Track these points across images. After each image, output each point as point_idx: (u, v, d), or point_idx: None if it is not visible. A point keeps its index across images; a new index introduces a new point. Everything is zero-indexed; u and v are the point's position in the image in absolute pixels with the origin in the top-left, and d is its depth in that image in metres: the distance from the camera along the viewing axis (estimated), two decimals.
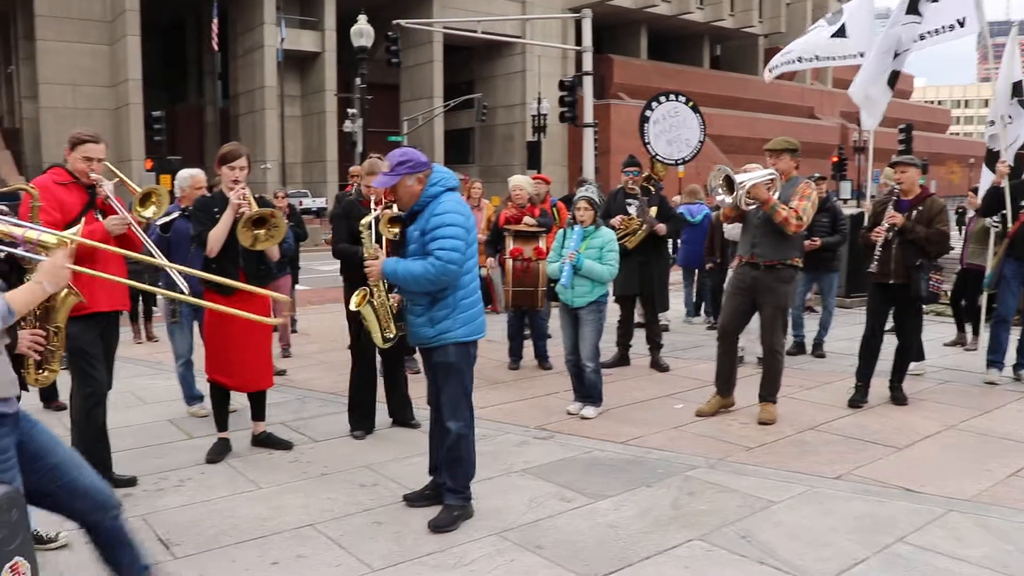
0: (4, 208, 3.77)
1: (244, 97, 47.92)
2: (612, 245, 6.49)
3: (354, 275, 5.89)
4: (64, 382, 5.48)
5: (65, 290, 4.09)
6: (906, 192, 6.67)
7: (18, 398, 2.90)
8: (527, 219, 8.06)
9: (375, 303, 5.15)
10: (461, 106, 43.57)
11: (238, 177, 5.27)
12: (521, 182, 8.35)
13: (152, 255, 4.81)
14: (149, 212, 4.85)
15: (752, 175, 6.25)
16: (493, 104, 48.88)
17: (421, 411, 6.23)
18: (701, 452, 5.57)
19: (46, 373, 4.11)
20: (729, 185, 6.14)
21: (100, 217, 4.73)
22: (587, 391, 6.53)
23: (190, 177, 6.60)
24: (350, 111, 36.34)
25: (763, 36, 63.97)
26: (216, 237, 5.21)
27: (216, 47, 41.34)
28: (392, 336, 5.17)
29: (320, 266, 16.12)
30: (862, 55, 8.59)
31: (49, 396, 6.80)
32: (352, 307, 5.11)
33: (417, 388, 6.68)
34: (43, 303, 3.94)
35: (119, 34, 42.66)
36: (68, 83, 42.46)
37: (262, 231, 5.18)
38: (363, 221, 5.19)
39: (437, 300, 4.31)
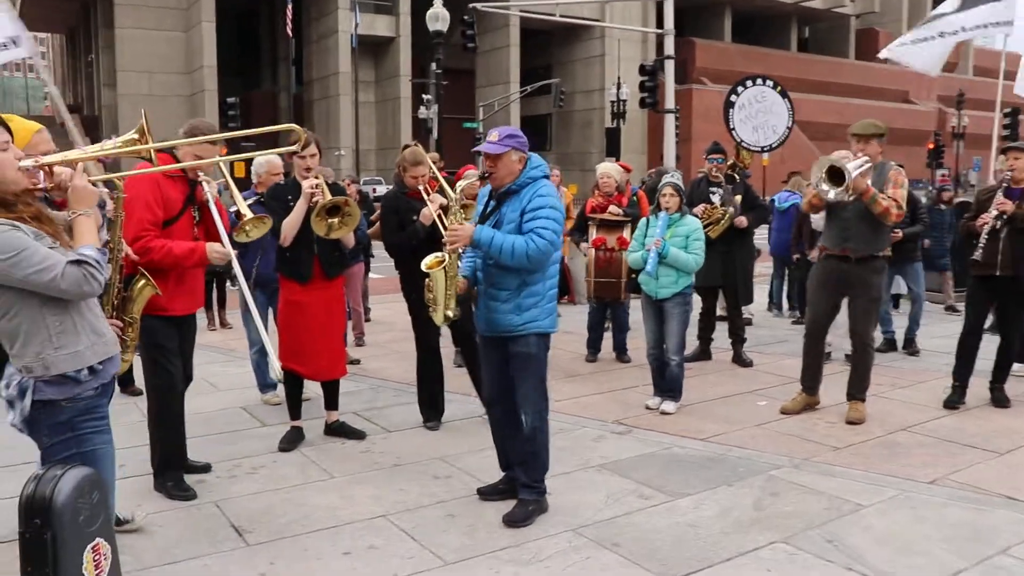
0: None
1: (318, 83, 48.77)
2: (698, 234, 6.42)
3: (412, 268, 5.91)
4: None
5: (143, 281, 4.21)
6: (1017, 180, 6.42)
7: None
8: (612, 208, 8.00)
9: (448, 271, 5.07)
10: (538, 92, 43.61)
11: (309, 165, 5.34)
12: (609, 169, 8.29)
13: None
14: (248, 227, 4.92)
15: (852, 163, 6.04)
16: (571, 89, 48.81)
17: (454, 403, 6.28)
18: (785, 451, 5.47)
19: (120, 363, 4.23)
20: (832, 177, 5.92)
21: (196, 215, 4.82)
22: (668, 385, 6.48)
23: (266, 163, 6.73)
24: (425, 97, 36.73)
25: (855, 16, 62.40)
26: (290, 226, 5.30)
27: (290, 33, 42.13)
28: (452, 316, 4.85)
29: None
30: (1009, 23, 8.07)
31: (126, 381, 7.02)
32: (424, 266, 4.83)
33: (454, 381, 6.68)
34: (118, 294, 4.07)
35: (194, 20, 43.82)
36: (145, 70, 43.83)
37: (336, 219, 5.25)
38: (424, 213, 5.29)
39: (527, 286, 4.31)
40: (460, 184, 5.46)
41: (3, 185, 2.72)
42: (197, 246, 4.63)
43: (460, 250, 4.49)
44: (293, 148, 3.84)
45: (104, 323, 2.95)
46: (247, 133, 3.55)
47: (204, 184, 4.77)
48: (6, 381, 2.89)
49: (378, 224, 6.93)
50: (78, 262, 2.69)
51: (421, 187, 5.77)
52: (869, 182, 5.96)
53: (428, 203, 5.70)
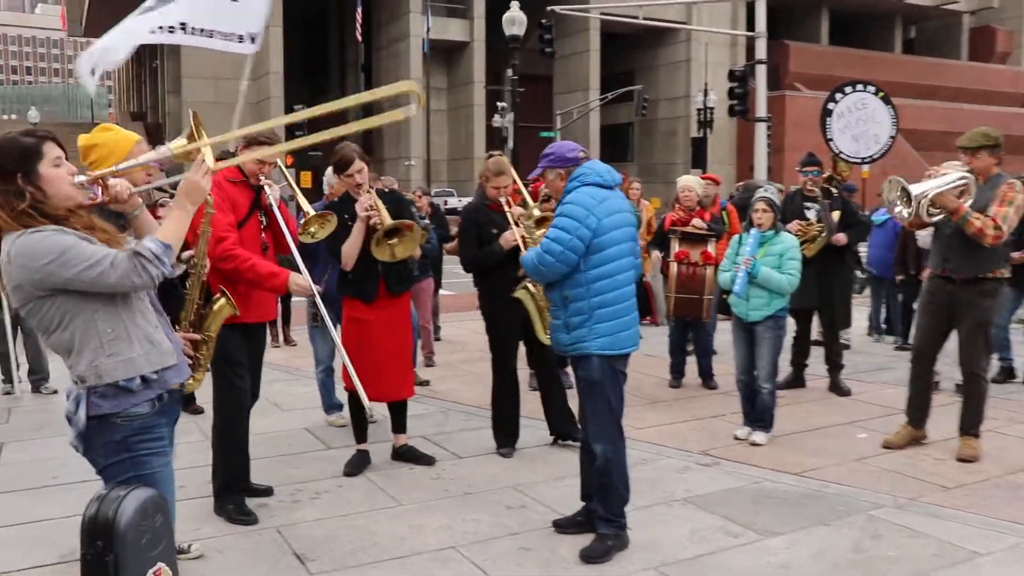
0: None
1: None
2: (794, 252, 6.32)
3: (492, 284, 5.95)
4: (204, 384, 5.78)
5: (223, 300, 4.32)
6: None
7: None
8: (696, 221, 7.95)
9: (534, 292, 5.30)
10: (619, 99, 43.51)
11: (359, 182, 5.41)
12: (691, 182, 8.24)
13: (297, 266, 5.00)
14: (313, 228, 5.04)
15: (935, 182, 5.83)
16: (654, 97, 48.60)
17: (529, 428, 6.26)
18: (888, 489, 5.33)
19: (191, 380, 4.33)
20: (908, 196, 5.79)
21: (263, 219, 4.96)
22: (758, 415, 6.38)
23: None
24: (500, 104, 37.00)
25: (969, 14, 60.85)
26: (349, 252, 5.37)
27: (360, 38, 42.85)
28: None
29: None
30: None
31: (187, 399, 7.19)
32: (515, 293, 5.35)
33: (571, 405, 6.72)
34: (197, 311, 4.18)
35: None
36: (210, 77, 45.01)
37: (395, 240, 5.31)
38: (505, 237, 5.42)
39: (569, 303, 4.36)
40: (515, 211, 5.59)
41: (58, 201, 2.82)
42: (280, 272, 4.75)
43: None
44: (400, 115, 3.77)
45: (160, 333, 3.01)
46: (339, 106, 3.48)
47: (266, 188, 4.89)
48: (67, 395, 2.97)
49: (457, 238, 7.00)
50: (133, 253, 2.76)
51: (503, 199, 5.81)
52: (971, 200, 5.77)
53: (509, 216, 5.73)
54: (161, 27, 5.09)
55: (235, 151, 5.00)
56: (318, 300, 4.99)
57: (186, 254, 4.18)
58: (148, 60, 62.25)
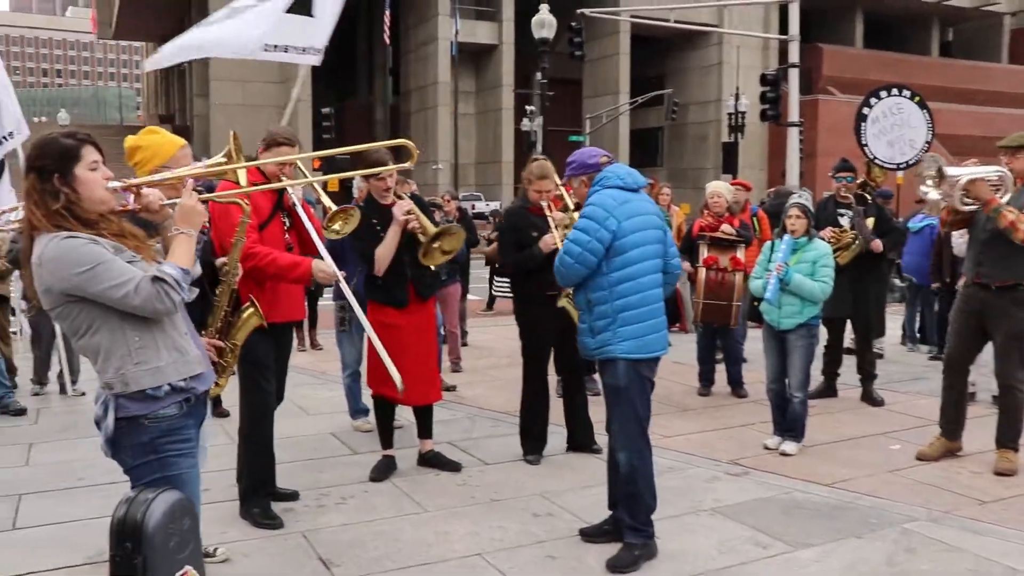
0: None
1: (416, 93, 49.68)
2: (827, 260, 6.29)
3: (530, 288, 5.97)
4: (230, 387, 5.84)
5: (251, 310, 4.35)
6: None
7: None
8: (724, 227, 7.93)
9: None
10: (649, 103, 43.43)
11: (389, 185, 5.45)
12: (720, 188, 8.23)
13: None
14: (336, 226, 5.07)
15: (972, 168, 5.80)
16: (685, 101, 48.43)
17: (556, 435, 6.29)
18: (922, 502, 5.28)
19: (214, 386, 4.36)
20: (942, 178, 5.72)
21: (286, 221, 5.00)
22: (789, 424, 6.35)
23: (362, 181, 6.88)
24: (528, 108, 37.03)
25: (1010, 15, 60.12)
26: (384, 256, 5.41)
27: (388, 41, 42.99)
28: None
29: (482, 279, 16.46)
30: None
31: (214, 402, 7.25)
32: (559, 304, 5.50)
33: (598, 412, 6.72)
34: (225, 318, 4.21)
35: None
36: (238, 80, 45.39)
37: (442, 242, 5.34)
38: (545, 240, 5.49)
39: (594, 306, 4.38)
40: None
41: (91, 204, 2.87)
42: (303, 260, 4.78)
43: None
44: (407, 165, 3.94)
45: (188, 341, 3.05)
46: (356, 149, 3.64)
47: (289, 193, 4.92)
48: (96, 399, 3.02)
49: (495, 242, 7.03)
50: (155, 279, 2.81)
51: (544, 203, 5.83)
52: (1006, 199, 5.71)
53: (549, 220, 5.75)
54: (243, 44, 5.29)
55: (257, 154, 5.03)
56: (343, 286, 5.00)
57: (219, 261, 4.22)
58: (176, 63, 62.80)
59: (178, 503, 2.71)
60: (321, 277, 4.81)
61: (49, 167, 2.85)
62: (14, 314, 8.81)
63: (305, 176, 5.36)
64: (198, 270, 3.61)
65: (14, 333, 8.84)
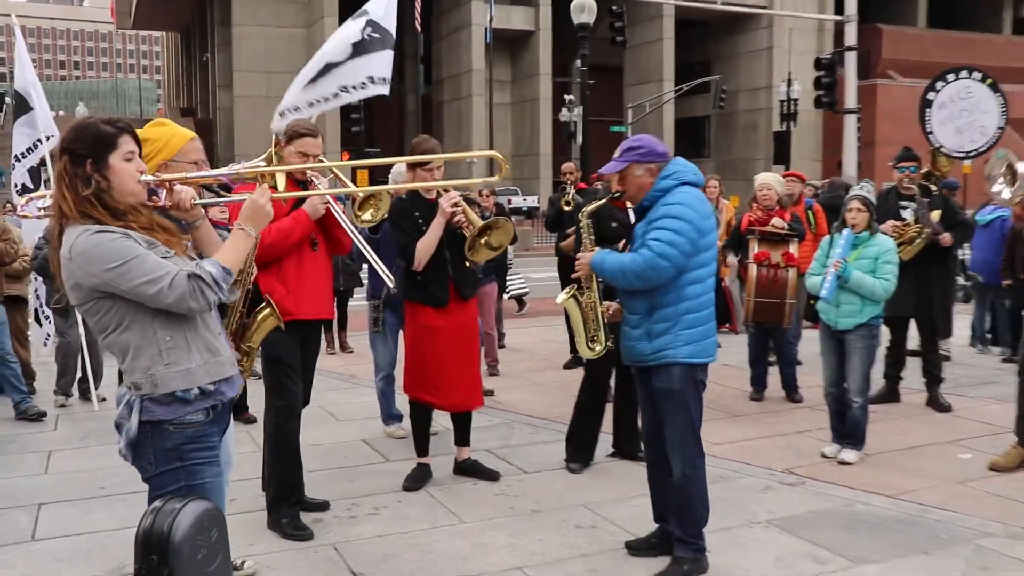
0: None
1: (448, 82, 49.83)
2: (890, 256, 6.21)
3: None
4: (256, 393, 5.88)
5: (268, 310, 4.38)
6: None
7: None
8: (775, 221, 7.86)
9: (582, 301, 5.17)
10: (695, 90, 43.20)
11: (436, 178, 5.47)
12: (770, 180, 8.16)
13: (364, 254, 5.08)
14: (367, 215, 5.10)
15: None
16: (733, 88, 48.14)
17: (601, 442, 6.22)
18: (997, 516, 5.19)
19: None
20: (1014, 175, 5.66)
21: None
22: (848, 431, 6.29)
23: (405, 172, 6.85)
24: (567, 97, 36.97)
25: None
26: (426, 250, 5.40)
27: (419, 28, 43.12)
28: (600, 348, 5.20)
29: (531, 273, 16.43)
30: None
31: (238, 407, 7.31)
32: (556, 301, 5.30)
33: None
34: (239, 319, 4.24)
35: (316, 16, 45.51)
36: (263, 70, 45.74)
37: (490, 237, 5.33)
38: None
39: (656, 310, 4.32)
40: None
41: (121, 195, 2.90)
42: (297, 212, 4.83)
43: (596, 278, 4.81)
44: (494, 180, 3.94)
45: (221, 341, 3.08)
46: (390, 161, 3.64)
47: (315, 182, 4.95)
48: (117, 401, 3.03)
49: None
50: (192, 275, 2.82)
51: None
52: None
53: (630, 213, 5.72)
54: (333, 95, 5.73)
55: (275, 147, 5.06)
56: (335, 208, 5.00)
57: None
58: (198, 53, 63.56)
59: (206, 513, 2.72)
60: (318, 204, 4.84)
61: (82, 151, 2.88)
62: (38, 320, 8.94)
63: (332, 169, 5.39)
64: (254, 271, 3.63)
65: (44, 343, 8.99)
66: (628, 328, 4.48)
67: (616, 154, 4.49)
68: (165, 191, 3.04)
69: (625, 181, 4.46)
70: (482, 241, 5.30)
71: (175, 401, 2.92)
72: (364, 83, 6.57)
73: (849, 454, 6.24)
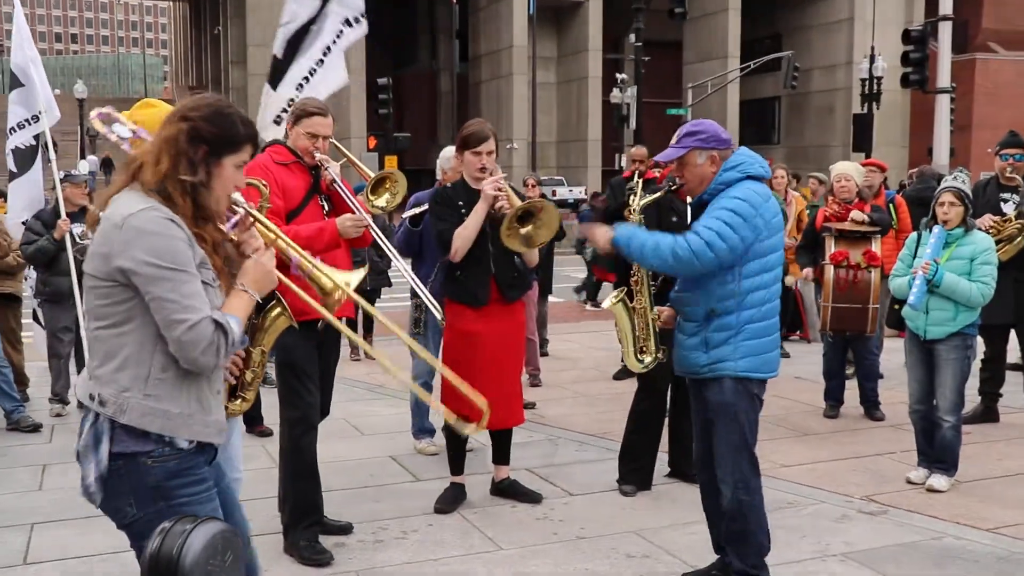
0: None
1: (487, 60, 49.89)
2: (988, 256, 6.15)
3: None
4: (271, 402, 5.94)
5: (278, 309, 4.40)
6: None
7: None
8: (855, 214, 7.80)
9: (634, 306, 5.09)
10: (764, 68, 42.96)
11: (485, 164, 5.49)
12: (848, 170, 8.11)
13: (388, 254, 5.11)
14: (382, 201, 5.15)
15: None
16: (807, 65, 47.82)
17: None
18: None
19: (240, 402, 4.35)
20: None
21: (325, 205, 5.08)
22: (938, 454, 6.24)
23: (453, 157, 6.88)
24: (619, 77, 36.97)
25: None
26: (464, 237, 5.42)
27: None
28: (650, 360, 5.13)
29: (580, 273, 16.43)
30: None
31: (253, 419, 7.38)
32: (603, 305, 5.28)
33: None
34: (248, 321, 4.26)
35: None
36: None
37: (530, 227, 5.32)
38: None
39: (715, 317, 4.31)
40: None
41: (215, 201, 2.90)
42: (326, 223, 4.87)
43: (647, 280, 4.82)
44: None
45: (216, 401, 3.00)
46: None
47: (326, 168, 4.99)
48: (80, 429, 2.89)
49: None
50: (218, 325, 2.77)
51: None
52: None
53: (689, 207, 5.72)
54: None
55: (286, 130, 5.11)
56: (372, 228, 5.03)
57: None
58: (208, 26, 64.14)
59: (219, 535, 2.73)
60: (349, 228, 4.88)
61: (207, 135, 2.85)
62: (37, 320, 9.06)
63: (344, 152, 5.44)
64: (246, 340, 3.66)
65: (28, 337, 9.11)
66: (683, 336, 4.48)
67: (674, 140, 4.48)
68: (240, 223, 3.04)
69: (684, 169, 4.45)
70: (522, 229, 5.27)
71: (146, 436, 2.80)
72: (342, 31, 6.72)
73: (939, 480, 6.18)
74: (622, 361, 9.47)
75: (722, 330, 4.31)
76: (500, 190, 5.36)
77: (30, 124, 8.67)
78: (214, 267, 2.88)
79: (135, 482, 2.81)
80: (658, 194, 5.00)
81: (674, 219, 5.83)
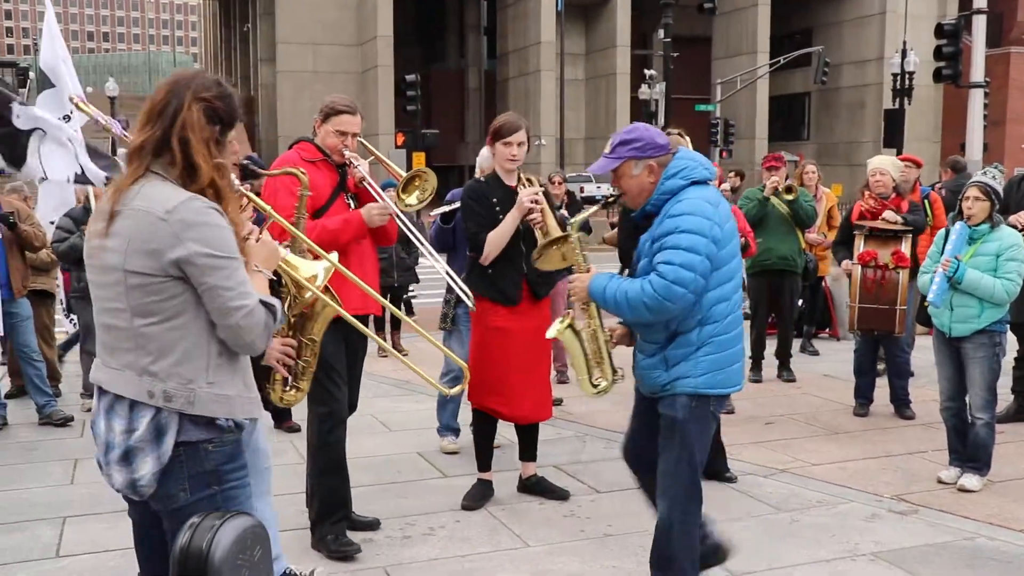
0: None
1: (514, 56, 49.86)
2: (1015, 252, 6.09)
3: None
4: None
5: (324, 296, 4.41)
6: None
7: None
8: (887, 213, 7.74)
9: (581, 332, 4.70)
10: (793, 63, 42.77)
11: (516, 154, 5.48)
12: (884, 164, 8.04)
13: (416, 250, 5.11)
14: (412, 199, 5.15)
15: None
16: (837, 60, 47.53)
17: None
18: None
19: (294, 392, 4.43)
20: None
21: (352, 203, 5.10)
22: (970, 453, 6.19)
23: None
24: (648, 73, 36.89)
25: None
26: (497, 243, 5.42)
27: None
28: (606, 384, 4.68)
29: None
30: None
31: (281, 415, 7.41)
32: (549, 333, 4.85)
33: (733, 433, 6.67)
34: (297, 311, 4.27)
35: None
36: (308, 42, 46.22)
37: (559, 245, 5.20)
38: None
39: (677, 335, 4.05)
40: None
41: (229, 180, 2.92)
42: (351, 214, 4.90)
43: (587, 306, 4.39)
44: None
45: (251, 378, 3.04)
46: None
47: (354, 164, 5.00)
48: (124, 426, 2.84)
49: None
50: (267, 305, 2.82)
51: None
52: None
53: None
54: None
55: (314, 128, 5.12)
56: (397, 213, 5.05)
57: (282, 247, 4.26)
58: (238, 23, 64.41)
59: (249, 530, 2.74)
60: (376, 216, 4.90)
61: (222, 112, 2.87)
62: (68, 315, 9.13)
63: (371, 150, 5.44)
64: None
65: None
66: (641, 355, 4.23)
67: (607, 149, 4.19)
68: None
69: (621, 181, 4.16)
70: (557, 250, 4.93)
71: (211, 424, 2.84)
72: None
73: (971, 480, 6.14)
74: None
75: (682, 347, 4.04)
76: (536, 203, 5.34)
77: (62, 124, 8.71)
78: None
79: (193, 469, 2.83)
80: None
81: None
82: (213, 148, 2.83)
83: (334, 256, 3.90)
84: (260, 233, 3.09)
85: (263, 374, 4.17)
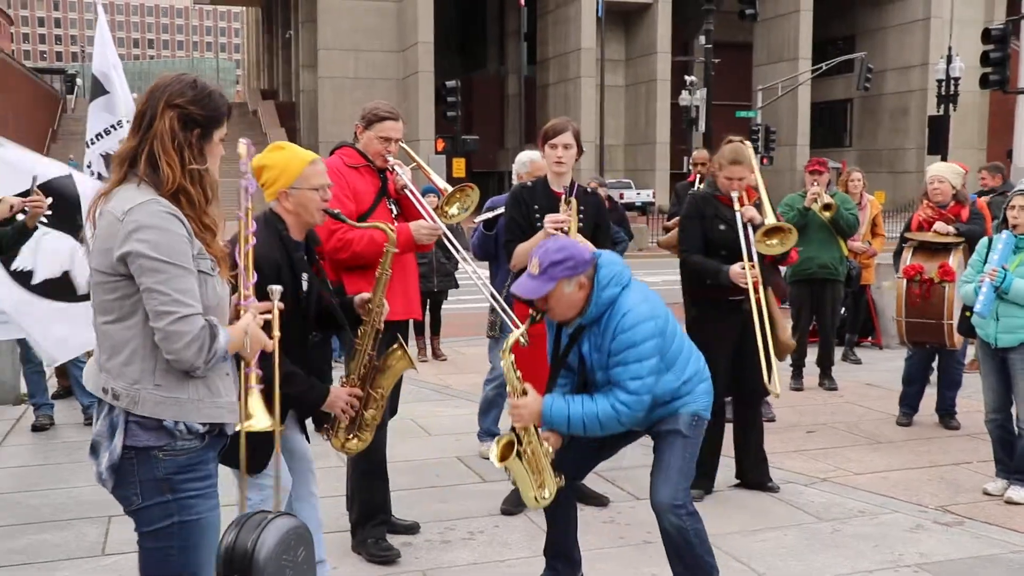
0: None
1: (554, 62, 49.96)
2: None
3: (704, 297, 6.00)
4: None
5: (400, 352, 4.35)
6: None
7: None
8: (938, 225, 7.59)
9: (526, 453, 4.25)
10: (836, 70, 42.55)
11: (561, 157, 5.47)
12: (943, 172, 7.87)
13: (455, 256, 5.12)
14: (454, 209, 5.16)
15: None
16: (881, 66, 47.24)
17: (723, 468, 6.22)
18: None
19: (356, 441, 4.38)
20: None
21: (394, 208, 5.12)
22: (1017, 465, 6.11)
23: (529, 161, 6.85)
24: (688, 79, 36.77)
25: None
26: (521, 257, 5.34)
27: (522, 2, 43.32)
28: (551, 490, 4.29)
29: (647, 276, 16.31)
30: None
31: (323, 418, 7.42)
32: (493, 461, 4.31)
33: (774, 441, 6.63)
34: (369, 363, 4.24)
35: None
36: (350, 48, 46.53)
37: None
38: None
39: (657, 406, 4.20)
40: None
41: (212, 182, 2.93)
42: (399, 227, 4.87)
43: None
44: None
45: (228, 383, 3.00)
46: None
47: (397, 171, 5.03)
48: (96, 418, 2.93)
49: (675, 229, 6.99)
50: (210, 329, 2.79)
51: (735, 194, 5.80)
52: None
53: (738, 217, 5.69)
54: None
55: (355, 133, 5.15)
56: (446, 233, 5.08)
57: (359, 298, 4.22)
58: (280, 30, 64.95)
59: (293, 531, 2.77)
60: (424, 235, 4.92)
61: (198, 117, 2.88)
62: None
63: (413, 157, 5.46)
64: (385, 308, 3.67)
65: None
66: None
67: (535, 269, 4.01)
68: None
69: (551, 300, 4.05)
70: None
71: (160, 428, 2.82)
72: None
73: (1019, 492, 6.05)
74: None
75: (663, 403, 4.21)
76: (558, 230, 5.32)
77: (115, 130, 8.82)
78: (213, 254, 2.90)
79: (144, 474, 2.83)
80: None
81: (721, 227, 5.79)
82: (189, 153, 2.84)
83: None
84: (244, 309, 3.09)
85: (326, 419, 4.22)
